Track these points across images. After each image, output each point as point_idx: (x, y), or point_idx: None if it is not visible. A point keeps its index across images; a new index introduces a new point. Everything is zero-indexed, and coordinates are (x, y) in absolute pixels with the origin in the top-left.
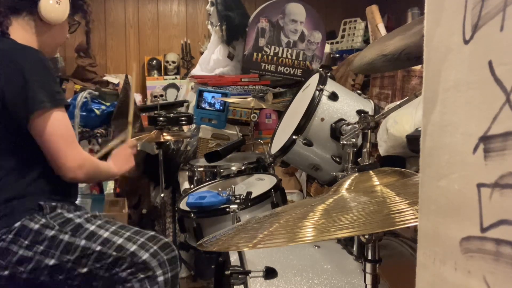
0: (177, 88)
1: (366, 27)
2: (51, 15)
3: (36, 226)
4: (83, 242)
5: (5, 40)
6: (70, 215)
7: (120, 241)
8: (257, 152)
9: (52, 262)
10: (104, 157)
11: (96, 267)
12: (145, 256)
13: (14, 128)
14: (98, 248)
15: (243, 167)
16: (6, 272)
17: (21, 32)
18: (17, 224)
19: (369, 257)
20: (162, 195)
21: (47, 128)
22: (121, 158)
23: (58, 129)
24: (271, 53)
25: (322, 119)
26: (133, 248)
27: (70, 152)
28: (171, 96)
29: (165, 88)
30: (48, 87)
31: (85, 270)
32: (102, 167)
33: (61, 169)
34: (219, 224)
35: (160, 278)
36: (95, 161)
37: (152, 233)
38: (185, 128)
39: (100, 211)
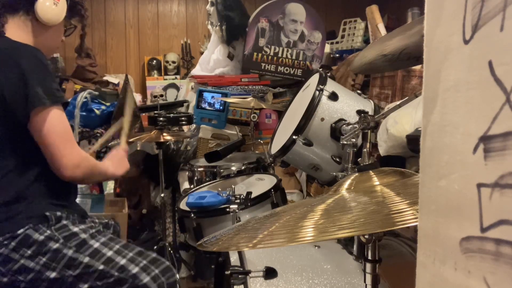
0: (177, 88)
1: (366, 27)
2: (47, 16)
3: (41, 238)
4: (86, 259)
5: (1, 39)
6: (75, 229)
7: (123, 261)
8: (257, 152)
9: (53, 275)
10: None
11: (97, 284)
12: (146, 279)
13: (13, 127)
14: (101, 267)
15: (243, 167)
16: (5, 280)
17: (16, 31)
18: (20, 231)
19: (369, 257)
20: (162, 195)
21: (45, 125)
22: (117, 160)
23: (56, 127)
24: (271, 53)
25: (322, 119)
26: (135, 270)
27: (67, 151)
28: (171, 96)
29: (165, 88)
30: (46, 84)
31: (85, 286)
32: (100, 167)
33: (58, 168)
34: (219, 224)
35: None
36: (93, 161)
37: (154, 255)
38: (185, 128)
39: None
